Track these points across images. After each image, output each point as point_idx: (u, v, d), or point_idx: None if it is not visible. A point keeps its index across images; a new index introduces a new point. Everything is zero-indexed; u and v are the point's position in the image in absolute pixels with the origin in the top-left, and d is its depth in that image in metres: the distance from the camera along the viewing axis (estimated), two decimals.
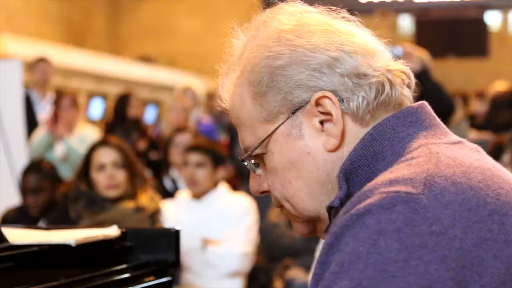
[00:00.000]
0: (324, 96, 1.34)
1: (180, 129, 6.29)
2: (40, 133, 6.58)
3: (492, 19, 15.60)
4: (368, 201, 1.20)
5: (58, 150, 6.47)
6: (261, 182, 1.43)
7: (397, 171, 1.25)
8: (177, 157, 5.92)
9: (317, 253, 5.17)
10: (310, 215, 1.39)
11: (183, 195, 5.01)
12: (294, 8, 1.42)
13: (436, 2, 12.47)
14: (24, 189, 5.04)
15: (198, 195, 4.85)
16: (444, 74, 14.18)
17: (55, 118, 6.51)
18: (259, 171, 1.43)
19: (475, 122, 9.09)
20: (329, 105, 1.34)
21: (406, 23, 16.42)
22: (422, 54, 5.50)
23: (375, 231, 1.17)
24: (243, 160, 1.44)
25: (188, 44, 15.92)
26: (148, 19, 16.48)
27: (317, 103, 1.34)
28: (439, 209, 1.18)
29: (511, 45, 16.28)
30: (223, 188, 4.89)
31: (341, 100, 1.34)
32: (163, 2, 16.39)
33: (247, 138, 1.40)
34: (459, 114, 8.04)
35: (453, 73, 15.51)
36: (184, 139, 5.94)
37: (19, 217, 4.95)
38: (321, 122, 1.35)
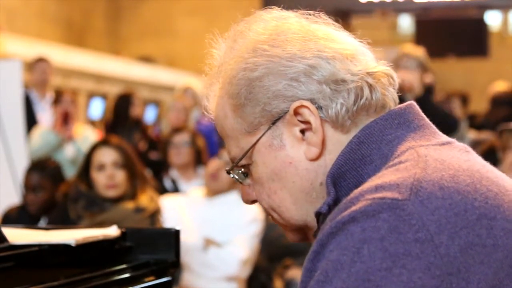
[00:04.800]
0: (302, 106, 1.33)
1: (177, 129, 6.28)
2: (44, 133, 6.53)
3: (492, 19, 15.60)
4: (353, 208, 1.20)
5: (69, 152, 6.46)
6: (250, 192, 1.43)
7: (385, 176, 1.24)
8: (176, 157, 5.91)
9: None
10: (298, 224, 1.39)
11: (197, 192, 5.02)
12: (270, 15, 1.41)
13: (436, 2, 12.47)
14: (26, 187, 5.06)
15: (212, 193, 4.86)
16: (444, 74, 14.18)
17: (65, 119, 6.48)
18: (247, 181, 1.43)
19: (474, 122, 9.09)
20: (307, 114, 1.34)
21: (406, 23, 16.42)
22: (419, 53, 5.50)
23: (359, 239, 1.17)
24: (229, 172, 1.43)
25: (188, 44, 15.91)
26: (148, 19, 16.47)
27: (296, 113, 1.34)
28: (425, 215, 1.17)
29: (511, 45, 16.27)
30: (236, 193, 4.90)
31: (319, 108, 1.34)
32: (163, 2, 16.39)
33: (233, 149, 1.40)
34: (458, 114, 8.04)
35: (453, 73, 15.51)
36: (182, 139, 5.93)
37: (21, 215, 4.96)
38: (302, 131, 1.35)
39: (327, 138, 1.34)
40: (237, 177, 1.43)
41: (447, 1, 12.50)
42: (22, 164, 5.71)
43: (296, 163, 1.35)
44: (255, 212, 4.82)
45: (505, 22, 16.76)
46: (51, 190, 4.96)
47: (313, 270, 1.21)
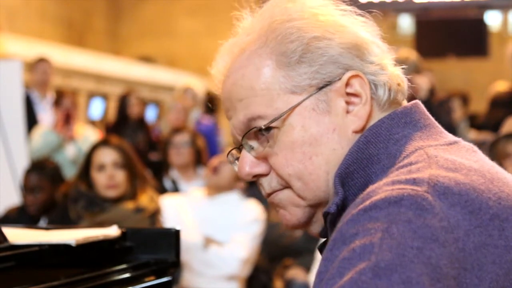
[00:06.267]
0: (357, 76, 1.33)
1: (177, 130, 6.28)
2: (45, 134, 6.54)
3: (492, 19, 15.59)
4: (373, 198, 1.18)
5: (70, 152, 6.47)
6: (256, 164, 1.37)
7: (399, 176, 1.22)
8: (176, 157, 5.91)
9: (318, 253, 5.13)
10: (321, 196, 1.34)
11: (197, 192, 5.02)
12: None
13: (436, 2, 12.47)
14: (25, 188, 5.06)
15: (213, 190, 4.86)
16: (444, 74, 14.18)
17: (66, 119, 6.49)
18: (259, 149, 1.36)
19: (474, 122, 9.09)
20: (360, 85, 1.33)
21: (406, 23, 16.42)
22: (412, 55, 5.60)
23: (386, 221, 1.13)
24: (242, 138, 1.36)
25: (188, 44, 15.91)
26: (148, 19, 16.47)
27: (347, 83, 1.33)
28: (445, 208, 1.16)
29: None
30: (237, 194, 4.91)
31: (369, 83, 1.34)
32: (163, 2, 16.39)
33: (260, 109, 1.34)
34: (458, 114, 8.04)
35: (453, 73, 15.51)
36: (182, 139, 5.93)
37: (20, 216, 4.96)
38: (346, 104, 1.34)
39: (370, 114, 1.34)
40: (253, 142, 1.37)
41: (447, 1, 12.50)
42: (22, 164, 5.71)
43: (340, 131, 1.33)
44: (256, 212, 4.83)
45: (505, 22, 16.75)
46: (50, 191, 4.96)
47: (331, 259, 1.16)
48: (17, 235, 1.85)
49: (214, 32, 15.10)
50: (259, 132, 1.35)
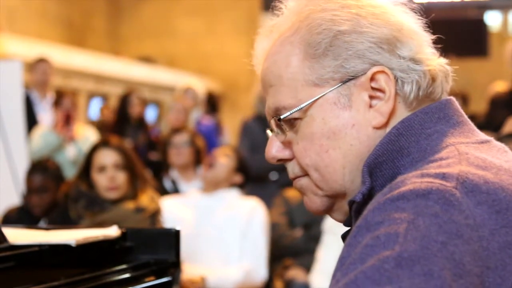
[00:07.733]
0: (382, 71, 1.33)
1: (177, 130, 6.28)
2: (45, 134, 6.54)
3: (492, 19, 15.59)
4: (401, 188, 1.18)
5: (70, 152, 6.47)
6: (282, 149, 1.40)
7: (429, 169, 1.22)
8: (176, 157, 5.91)
9: (318, 254, 5.11)
10: (337, 189, 1.36)
11: (195, 193, 5.02)
12: None
13: (436, 2, 12.47)
14: (29, 189, 5.04)
15: (210, 187, 4.86)
16: None
17: (66, 120, 6.49)
18: (284, 136, 1.39)
19: (474, 123, 9.08)
20: (385, 81, 1.33)
21: None
22: None
23: (412, 212, 1.13)
24: (272, 120, 1.38)
25: (188, 44, 15.90)
26: (148, 19, 16.47)
27: (372, 78, 1.33)
28: (472, 206, 1.16)
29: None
30: (235, 191, 4.90)
31: (396, 79, 1.34)
32: (163, 2, 16.39)
33: (285, 100, 1.36)
34: None
35: (453, 73, 15.49)
36: (181, 139, 5.93)
37: (21, 216, 4.96)
38: (370, 98, 1.34)
39: (394, 111, 1.34)
40: (277, 129, 1.39)
41: (447, 1, 12.50)
42: (22, 164, 5.71)
43: (359, 126, 1.33)
44: (262, 216, 4.78)
45: (505, 22, 16.75)
46: (54, 191, 4.96)
47: (353, 245, 1.16)
48: (17, 236, 1.85)
49: (214, 32, 15.09)
50: (281, 121, 1.37)
